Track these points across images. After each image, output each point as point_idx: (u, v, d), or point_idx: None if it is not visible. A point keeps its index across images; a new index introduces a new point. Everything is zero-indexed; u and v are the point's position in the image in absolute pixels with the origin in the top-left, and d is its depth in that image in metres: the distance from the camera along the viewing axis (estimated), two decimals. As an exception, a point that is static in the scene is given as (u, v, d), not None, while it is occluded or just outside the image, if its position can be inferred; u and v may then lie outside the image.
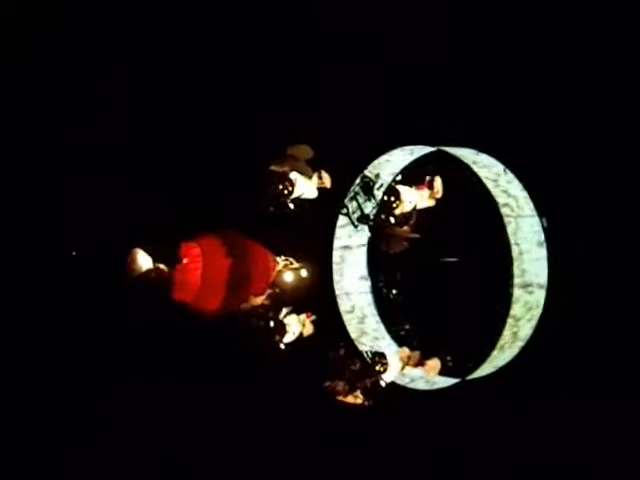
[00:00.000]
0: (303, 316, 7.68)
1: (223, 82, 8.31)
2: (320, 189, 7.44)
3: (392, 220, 7.48)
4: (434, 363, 7.75)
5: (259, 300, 7.30)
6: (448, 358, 8.07)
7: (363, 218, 7.77)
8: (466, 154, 7.89)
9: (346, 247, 8.42)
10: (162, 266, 6.14)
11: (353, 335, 8.27)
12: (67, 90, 8.05)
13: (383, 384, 7.50)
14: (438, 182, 7.53)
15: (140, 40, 8.19)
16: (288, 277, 7.30)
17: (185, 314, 6.60)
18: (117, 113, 8.10)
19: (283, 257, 7.29)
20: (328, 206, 7.89)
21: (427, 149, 8.00)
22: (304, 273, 7.43)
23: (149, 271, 6.07)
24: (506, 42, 7.86)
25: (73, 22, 8.01)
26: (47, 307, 7.88)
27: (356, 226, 7.92)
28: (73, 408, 7.95)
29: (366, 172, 7.92)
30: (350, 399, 7.44)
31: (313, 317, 7.73)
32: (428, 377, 7.69)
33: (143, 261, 6.08)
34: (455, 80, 7.99)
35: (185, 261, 6.27)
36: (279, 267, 7.20)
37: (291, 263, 7.32)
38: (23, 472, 7.63)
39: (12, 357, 7.77)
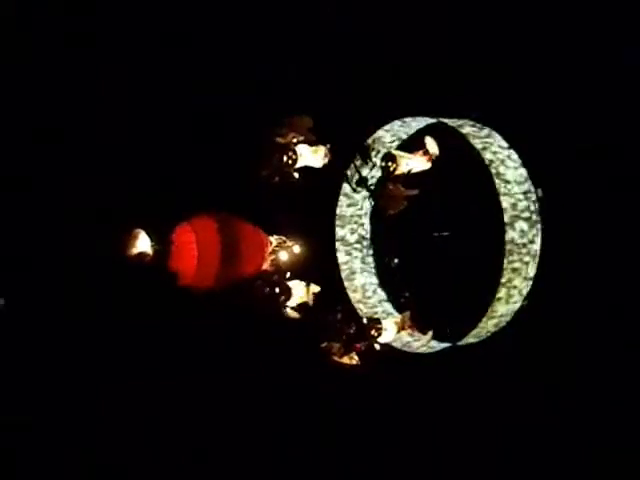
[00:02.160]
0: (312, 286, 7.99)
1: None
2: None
3: (390, 185, 7.74)
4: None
5: (264, 266, 7.65)
6: (447, 330, 8.38)
7: (361, 181, 7.95)
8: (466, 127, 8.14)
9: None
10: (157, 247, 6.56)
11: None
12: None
13: (377, 347, 7.82)
14: (429, 141, 7.66)
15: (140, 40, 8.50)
16: (283, 255, 7.59)
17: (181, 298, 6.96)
18: (117, 103, 8.41)
19: (276, 236, 7.58)
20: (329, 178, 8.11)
21: (426, 120, 8.26)
22: (297, 250, 7.71)
23: (147, 252, 6.50)
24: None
25: (73, 22, 8.33)
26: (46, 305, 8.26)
27: (355, 189, 8.12)
28: (73, 408, 8.27)
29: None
30: (345, 360, 7.79)
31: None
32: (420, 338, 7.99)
33: (142, 242, 6.50)
34: (452, 55, 8.27)
35: (178, 245, 6.64)
36: (273, 246, 7.51)
37: (284, 242, 7.62)
38: (23, 472, 8.02)
39: (12, 357, 8.13)
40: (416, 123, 8.28)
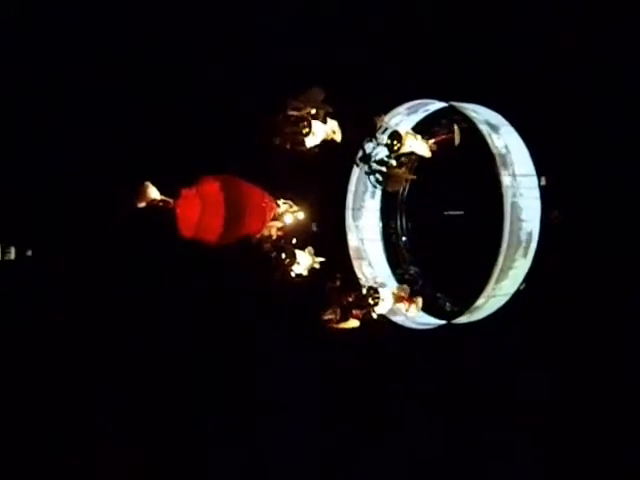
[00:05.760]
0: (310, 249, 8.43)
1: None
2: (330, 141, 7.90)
3: (393, 162, 8.12)
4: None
5: (272, 230, 8.15)
6: (447, 304, 8.72)
7: (365, 157, 8.15)
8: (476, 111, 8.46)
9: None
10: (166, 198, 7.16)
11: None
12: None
13: (375, 316, 8.20)
14: (457, 131, 8.05)
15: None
16: (288, 219, 8.03)
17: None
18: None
19: (283, 200, 7.98)
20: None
21: (438, 104, 8.61)
22: (301, 216, 8.13)
23: (156, 201, 7.11)
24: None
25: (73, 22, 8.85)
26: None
27: (357, 165, 8.45)
28: (73, 408, 8.69)
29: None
30: (343, 325, 8.17)
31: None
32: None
33: (152, 192, 7.14)
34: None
35: (183, 200, 7.20)
36: (280, 210, 7.94)
37: (291, 206, 8.04)
38: (23, 472, 8.42)
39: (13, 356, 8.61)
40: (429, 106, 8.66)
